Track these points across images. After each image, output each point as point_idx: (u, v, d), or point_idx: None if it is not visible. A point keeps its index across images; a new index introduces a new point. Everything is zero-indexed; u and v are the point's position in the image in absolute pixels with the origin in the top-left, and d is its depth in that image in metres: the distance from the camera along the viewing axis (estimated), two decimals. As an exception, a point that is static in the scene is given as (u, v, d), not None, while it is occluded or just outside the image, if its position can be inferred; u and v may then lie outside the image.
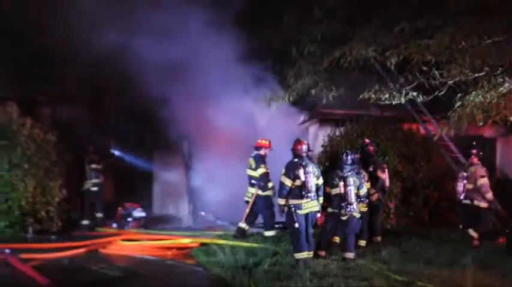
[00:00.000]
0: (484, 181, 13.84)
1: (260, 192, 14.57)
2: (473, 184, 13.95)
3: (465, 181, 14.15)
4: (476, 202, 13.92)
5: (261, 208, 14.69)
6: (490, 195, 13.86)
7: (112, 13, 15.81)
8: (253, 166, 14.69)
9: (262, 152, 14.70)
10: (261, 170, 14.53)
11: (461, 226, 14.37)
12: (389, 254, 12.34)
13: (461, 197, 14.21)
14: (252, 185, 14.73)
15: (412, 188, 16.62)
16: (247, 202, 14.80)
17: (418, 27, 12.84)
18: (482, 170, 13.95)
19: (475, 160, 14.16)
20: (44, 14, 15.52)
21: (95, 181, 18.25)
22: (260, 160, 14.65)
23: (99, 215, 18.29)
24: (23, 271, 10.79)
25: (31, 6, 15.65)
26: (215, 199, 18.28)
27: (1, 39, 16.06)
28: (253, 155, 14.77)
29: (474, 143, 14.62)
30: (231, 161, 17.80)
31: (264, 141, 14.66)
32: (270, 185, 14.51)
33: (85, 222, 17.77)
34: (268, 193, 14.57)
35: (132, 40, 16.01)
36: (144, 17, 16.33)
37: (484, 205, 13.87)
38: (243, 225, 14.81)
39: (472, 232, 13.84)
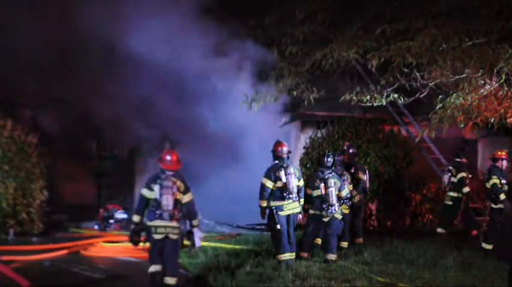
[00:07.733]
0: None
1: (493, 205, 14.00)
2: None
3: None
4: None
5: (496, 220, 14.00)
6: None
7: (94, 12, 15.78)
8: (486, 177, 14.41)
9: (499, 163, 14.25)
10: (492, 181, 13.87)
11: None
12: (371, 255, 12.37)
13: None
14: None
15: (393, 189, 16.69)
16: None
17: (399, 29, 12.86)
18: None
19: None
20: (24, 14, 15.47)
21: None
22: (494, 171, 14.11)
23: None
24: (3, 273, 10.74)
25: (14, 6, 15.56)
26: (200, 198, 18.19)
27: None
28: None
29: None
30: (213, 161, 17.81)
31: (500, 153, 14.18)
32: (501, 197, 13.76)
33: None
34: (500, 205, 13.79)
35: (115, 40, 15.96)
36: (130, 17, 16.28)
37: None
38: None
39: None
